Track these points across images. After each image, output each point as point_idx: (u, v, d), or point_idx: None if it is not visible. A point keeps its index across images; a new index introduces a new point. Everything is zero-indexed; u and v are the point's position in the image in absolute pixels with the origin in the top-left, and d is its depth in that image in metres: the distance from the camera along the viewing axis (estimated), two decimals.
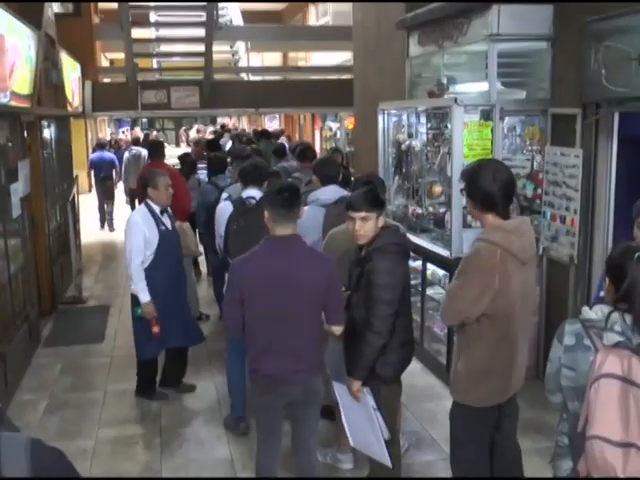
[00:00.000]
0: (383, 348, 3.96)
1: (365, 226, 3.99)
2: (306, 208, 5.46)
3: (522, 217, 3.64)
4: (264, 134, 14.31)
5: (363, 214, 3.98)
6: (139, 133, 23.35)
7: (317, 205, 5.35)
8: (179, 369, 6.35)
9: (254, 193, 5.65)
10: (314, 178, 5.72)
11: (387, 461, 4.06)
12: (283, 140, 16.04)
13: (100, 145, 16.37)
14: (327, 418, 5.17)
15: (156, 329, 5.79)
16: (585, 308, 2.78)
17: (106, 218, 15.34)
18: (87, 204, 17.10)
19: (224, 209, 5.88)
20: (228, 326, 4.00)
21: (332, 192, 5.40)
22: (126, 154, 15.45)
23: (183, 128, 33.88)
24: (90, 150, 18.90)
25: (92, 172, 15.83)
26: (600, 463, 2.51)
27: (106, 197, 15.36)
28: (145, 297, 5.70)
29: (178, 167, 9.86)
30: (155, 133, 24.94)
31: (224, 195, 6.55)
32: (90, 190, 19.67)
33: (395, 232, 4.12)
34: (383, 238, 3.98)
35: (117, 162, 15.51)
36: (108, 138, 20.09)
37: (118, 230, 15.46)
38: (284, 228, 3.79)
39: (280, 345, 3.80)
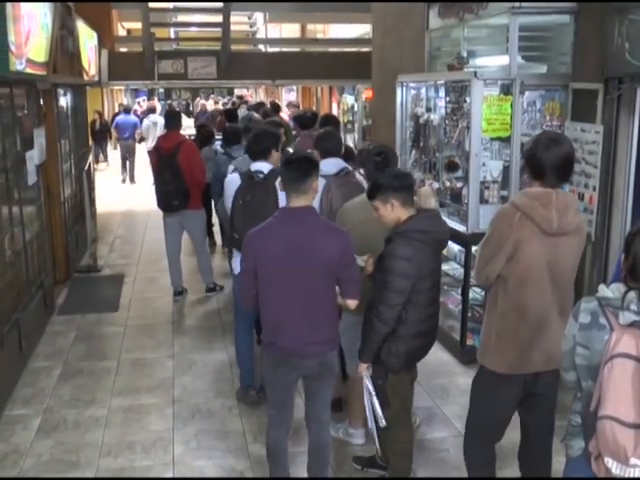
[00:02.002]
0: (389, 336, 3.89)
1: (381, 213, 3.96)
2: None
3: (560, 190, 3.59)
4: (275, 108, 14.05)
5: (375, 203, 3.97)
6: (157, 104, 23.98)
7: (319, 176, 5.26)
8: None
9: (262, 166, 5.40)
10: (315, 152, 5.55)
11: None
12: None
13: (125, 110, 19.55)
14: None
15: None
16: (602, 286, 2.74)
17: (128, 173, 17.90)
18: (103, 172, 17.33)
19: (231, 182, 5.62)
20: (242, 298, 3.99)
21: (334, 164, 5.33)
22: (145, 121, 17.78)
23: (198, 99, 33.82)
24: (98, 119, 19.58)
25: (116, 132, 18.44)
26: (611, 443, 2.48)
27: (128, 154, 17.91)
28: None
29: (193, 137, 9.86)
30: (174, 103, 25.73)
31: (230, 167, 6.47)
32: (106, 159, 20.19)
33: (426, 219, 3.92)
34: (408, 223, 3.85)
35: (139, 125, 18.15)
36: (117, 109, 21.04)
37: (137, 188, 16.32)
38: (296, 200, 3.78)
39: (295, 318, 3.78)
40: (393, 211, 3.90)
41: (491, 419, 3.85)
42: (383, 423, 4.04)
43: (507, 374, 3.68)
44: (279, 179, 5.21)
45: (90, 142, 11.84)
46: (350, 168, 5.47)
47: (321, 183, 5.13)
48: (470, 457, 4.00)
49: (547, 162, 3.51)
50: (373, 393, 4.00)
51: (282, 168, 3.87)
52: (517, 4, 5.71)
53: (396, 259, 3.77)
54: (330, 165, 5.31)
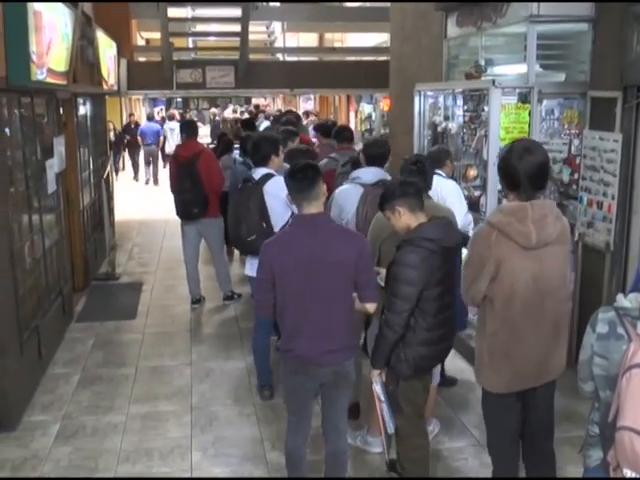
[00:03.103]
0: (399, 343, 3.91)
1: (392, 222, 4.03)
2: (346, 186, 5.47)
3: (536, 201, 3.51)
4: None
5: (386, 213, 4.05)
6: (175, 112, 25.24)
7: (357, 183, 5.33)
8: None
9: (258, 172, 5.70)
10: (361, 157, 5.66)
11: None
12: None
13: (149, 118, 21.56)
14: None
15: None
16: (620, 295, 2.72)
17: (151, 175, 19.59)
18: (121, 181, 17.44)
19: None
20: (260, 307, 4.01)
21: (374, 173, 5.35)
22: (165, 126, 20.17)
23: (218, 108, 33.95)
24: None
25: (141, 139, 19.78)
26: (630, 454, 2.47)
27: (152, 158, 19.53)
28: None
29: (212, 146, 9.92)
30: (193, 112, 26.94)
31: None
32: (123, 169, 20.55)
33: (435, 226, 3.92)
34: (416, 231, 3.88)
35: (162, 132, 20.01)
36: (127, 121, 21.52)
37: (155, 195, 16.77)
38: (308, 207, 3.80)
39: (312, 325, 3.80)
40: (402, 218, 3.95)
41: (505, 436, 3.82)
42: (391, 429, 4.09)
43: (504, 393, 3.66)
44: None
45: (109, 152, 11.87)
46: (389, 178, 5.48)
47: (358, 190, 5.20)
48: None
49: (521, 171, 3.45)
50: (383, 399, 4.03)
51: (287, 179, 3.89)
52: (535, 10, 5.71)
53: (402, 266, 3.80)
54: (370, 174, 5.35)
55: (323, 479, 4.24)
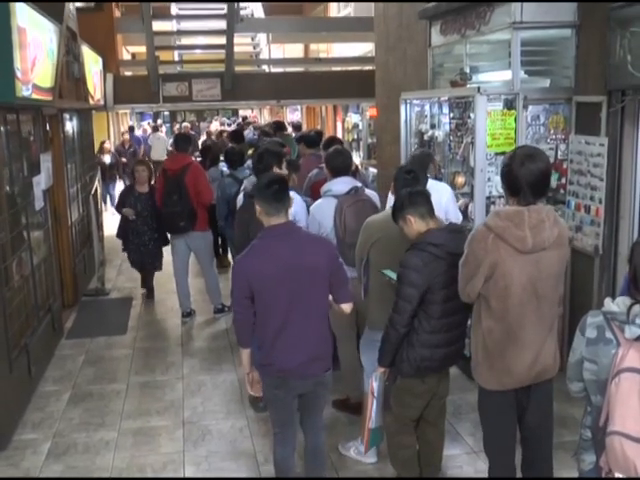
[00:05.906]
0: (403, 342, 4.02)
1: (405, 231, 4.13)
2: (320, 201, 5.45)
3: (533, 206, 3.54)
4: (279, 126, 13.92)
5: (400, 224, 4.15)
6: (159, 123, 27.28)
7: (330, 196, 5.32)
8: None
9: None
10: (326, 171, 5.59)
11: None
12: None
13: (130, 129, 22.50)
14: (354, 413, 5.25)
15: None
16: (607, 300, 2.73)
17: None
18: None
19: (239, 202, 5.87)
20: (240, 326, 3.95)
21: (344, 183, 5.35)
22: (151, 136, 21.41)
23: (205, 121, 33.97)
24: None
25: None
26: (620, 459, 2.47)
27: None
28: None
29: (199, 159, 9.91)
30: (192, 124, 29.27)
31: (242, 187, 6.50)
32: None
33: (442, 232, 4.02)
34: (423, 236, 3.99)
35: (142, 141, 21.37)
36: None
37: None
38: (278, 218, 3.83)
39: (292, 336, 3.81)
40: (413, 226, 4.07)
41: (499, 434, 3.84)
42: (374, 424, 4.24)
43: (499, 390, 3.69)
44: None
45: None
46: (359, 185, 5.47)
47: (332, 203, 5.19)
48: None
49: (522, 178, 3.50)
50: (375, 395, 4.17)
51: (263, 191, 3.88)
52: (518, 17, 5.74)
53: (406, 269, 3.93)
54: (340, 184, 5.34)
55: (315, 479, 4.24)
